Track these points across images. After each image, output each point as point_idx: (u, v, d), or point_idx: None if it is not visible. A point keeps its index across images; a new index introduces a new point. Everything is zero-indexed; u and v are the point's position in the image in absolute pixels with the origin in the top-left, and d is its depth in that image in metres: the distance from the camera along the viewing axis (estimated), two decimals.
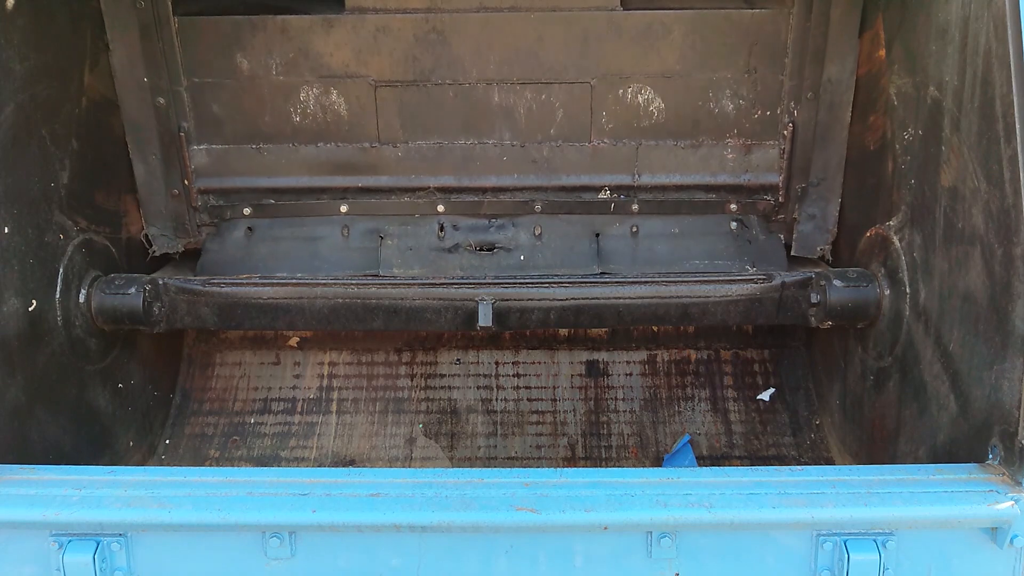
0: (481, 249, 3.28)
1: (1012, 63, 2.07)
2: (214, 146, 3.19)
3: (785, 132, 3.14)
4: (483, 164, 3.22)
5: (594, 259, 3.24)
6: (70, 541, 2.05)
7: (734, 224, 3.29)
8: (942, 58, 2.44)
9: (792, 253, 3.30)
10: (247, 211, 3.30)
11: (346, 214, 3.30)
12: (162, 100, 3.11)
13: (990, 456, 2.15)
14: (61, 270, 2.76)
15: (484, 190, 3.25)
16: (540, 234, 3.28)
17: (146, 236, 3.28)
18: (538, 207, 3.28)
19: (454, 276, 3.18)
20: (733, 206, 3.28)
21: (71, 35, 2.84)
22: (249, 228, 3.32)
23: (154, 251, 3.29)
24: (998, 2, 2.13)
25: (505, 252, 3.27)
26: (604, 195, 3.26)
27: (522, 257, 3.28)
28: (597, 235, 3.29)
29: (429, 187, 3.24)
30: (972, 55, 2.26)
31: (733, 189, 3.25)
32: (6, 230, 2.49)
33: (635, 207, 3.28)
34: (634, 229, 3.30)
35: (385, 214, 3.29)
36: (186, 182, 3.22)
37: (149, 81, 3.08)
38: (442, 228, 3.29)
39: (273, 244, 3.31)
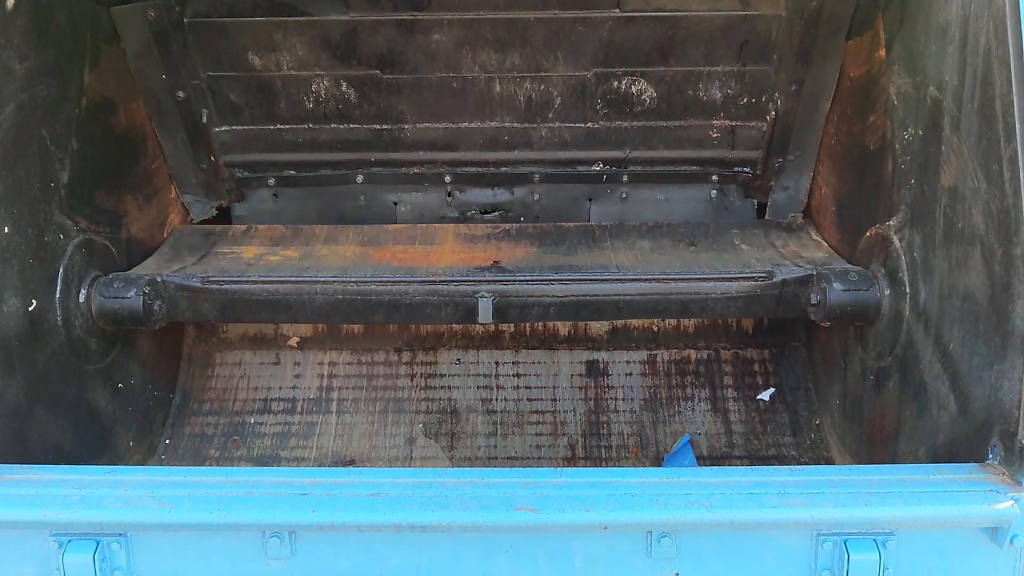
0: (484, 211, 3.63)
1: (1012, 63, 2.07)
2: (235, 127, 3.38)
3: (768, 117, 3.31)
4: (486, 143, 3.43)
5: (586, 218, 3.60)
6: (70, 541, 2.05)
7: (714, 192, 3.58)
8: (942, 58, 2.44)
9: (766, 217, 3.56)
10: (271, 181, 3.55)
11: (362, 183, 3.56)
12: (182, 93, 3.25)
13: (990, 456, 2.15)
14: (61, 270, 2.76)
15: (487, 163, 3.48)
16: (538, 199, 3.60)
17: (183, 204, 3.56)
18: (536, 177, 3.53)
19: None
20: (715, 177, 3.53)
21: (71, 35, 2.84)
22: (275, 195, 3.60)
23: (191, 219, 3.58)
24: (998, 2, 2.13)
25: (506, 213, 3.62)
26: (597, 168, 3.50)
27: (522, 218, 3.61)
28: (590, 199, 3.59)
29: (437, 161, 3.47)
30: (972, 55, 2.26)
31: (716, 162, 3.49)
32: (6, 230, 2.49)
33: (625, 178, 3.54)
34: (623, 195, 3.58)
35: (398, 183, 3.57)
36: (212, 158, 3.42)
37: (168, 78, 3.21)
38: (450, 194, 3.59)
39: (299, 205, 3.62)
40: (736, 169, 3.49)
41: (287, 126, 3.37)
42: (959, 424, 2.33)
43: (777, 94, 3.26)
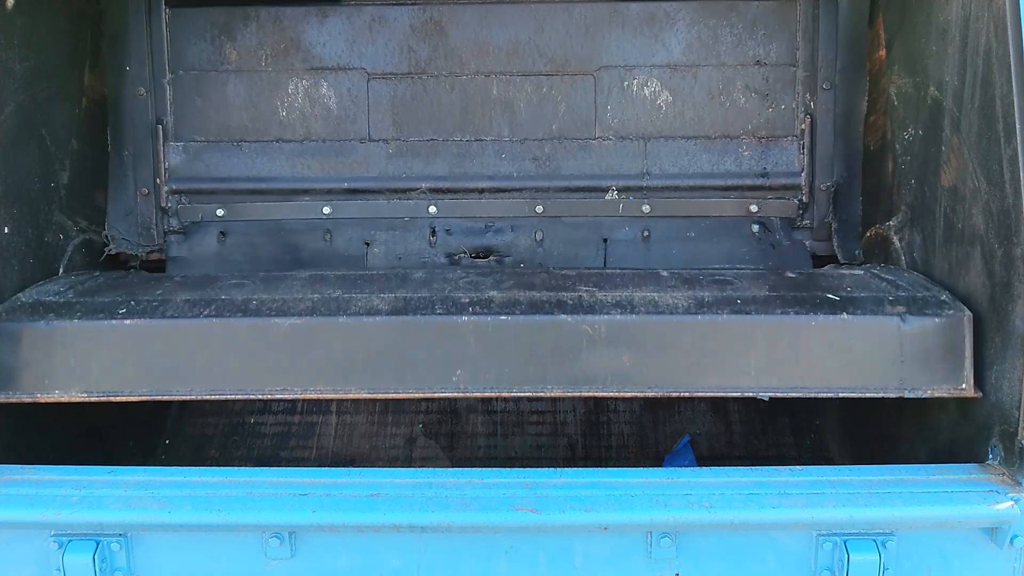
0: (477, 256, 3.08)
1: (1012, 63, 2.07)
2: (192, 143, 3.08)
3: (803, 126, 3.02)
4: (480, 162, 3.07)
5: (600, 264, 3.07)
6: (70, 541, 2.05)
7: (756, 227, 3.06)
8: (942, 58, 2.44)
9: (841, 260, 3.01)
10: (220, 212, 3.08)
11: (328, 217, 3.08)
12: (143, 90, 3.04)
13: (990, 456, 2.15)
14: (61, 270, 2.76)
15: (480, 190, 3.08)
16: (542, 239, 3.08)
17: (107, 236, 3.04)
18: (539, 208, 3.08)
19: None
20: (753, 207, 3.05)
21: (71, 35, 2.84)
22: (222, 233, 3.10)
23: (110, 250, 3.02)
24: (998, 2, 2.13)
25: (503, 260, 3.08)
26: (612, 196, 3.06)
27: (522, 264, 3.08)
28: (605, 240, 3.07)
29: (421, 188, 3.06)
30: (972, 55, 2.26)
31: (752, 188, 3.05)
32: (6, 230, 2.49)
33: (646, 208, 3.06)
34: (645, 233, 3.08)
35: (371, 217, 3.10)
36: (158, 180, 3.06)
37: (132, 70, 3.02)
38: (434, 233, 3.09)
39: (249, 250, 3.09)
40: (777, 196, 3.02)
41: (250, 142, 3.06)
42: (959, 424, 2.33)
43: (808, 95, 3.01)
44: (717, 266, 2.95)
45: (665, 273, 2.54)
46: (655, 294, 2.34)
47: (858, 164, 3.01)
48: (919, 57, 2.60)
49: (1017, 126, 2.05)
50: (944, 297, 2.30)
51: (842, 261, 2.98)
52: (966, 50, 2.29)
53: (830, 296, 2.32)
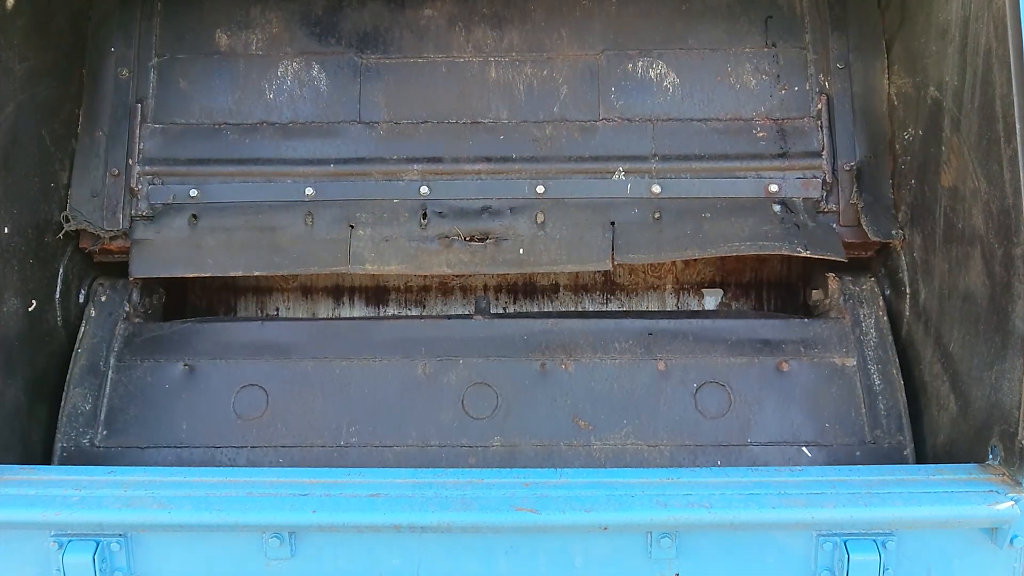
0: (471, 239, 2.86)
1: (1012, 63, 2.07)
2: (172, 125, 2.94)
3: (819, 106, 2.90)
4: (476, 142, 2.92)
5: (607, 251, 2.83)
6: (70, 541, 2.05)
7: (777, 207, 2.87)
8: (942, 58, 2.44)
9: (872, 238, 2.80)
10: (194, 193, 2.89)
11: (311, 199, 2.88)
12: (126, 72, 2.95)
13: (990, 456, 2.15)
14: (61, 270, 2.76)
15: (477, 171, 2.90)
16: (543, 222, 2.86)
17: (66, 216, 2.81)
18: (540, 188, 2.88)
19: (440, 274, 2.99)
20: (773, 187, 2.87)
21: (71, 35, 2.84)
22: (194, 215, 2.88)
23: (70, 227, 2.80)
24: (998, 2, 2.13)
25: (501, 243, 2.87)
26: (618, 177, 2.89)
27: (521, 251, 2.85)
28: (612, 223, 2.86)
29: (412, 170, 2.90)
30: (972, 55, 2.26)
31: (770, 169, 2.89)
32: (6, 230, 2.49)
33: (656, 189, 2.87)
34: (656, 215, 2.87)
35: (356, 199, 2.90)
36: (130, 161, 2.89)
37: (117, 51, 2.95)
38: (425, 215, 2.86)
39: (223, 235, 2.87)
40: (798, 176, 2.87)
41: (234, 124, 2.94)
42: (959, 424, 2.33)
43: (822, 76, 2.91)
44: (737, 243, 2.81)
45: (663, 367, 2.68)
46: (646, 446, 2.59)
47: (883, 143, 2.87)
48: (919, 57, 2.60)
49: (1017, 126, 2.05)
50: (907, 452, 2.53)
51: (873, 239, 2.80)
52: (966, 50, 2.30)
53: (805, 450, 2.59)
